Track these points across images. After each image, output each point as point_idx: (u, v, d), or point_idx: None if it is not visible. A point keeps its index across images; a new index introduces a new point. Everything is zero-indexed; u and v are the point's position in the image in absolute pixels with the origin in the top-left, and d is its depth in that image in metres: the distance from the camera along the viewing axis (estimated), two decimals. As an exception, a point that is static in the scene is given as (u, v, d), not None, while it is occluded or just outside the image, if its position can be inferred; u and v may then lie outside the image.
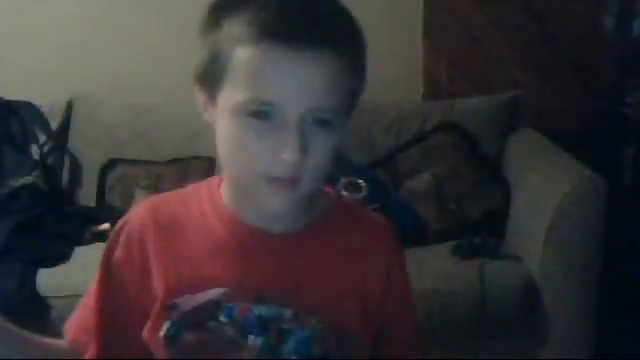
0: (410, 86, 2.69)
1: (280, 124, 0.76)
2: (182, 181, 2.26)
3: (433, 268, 1.94)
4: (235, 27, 0.76)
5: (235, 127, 0.78)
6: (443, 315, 1.86)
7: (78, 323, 0.92)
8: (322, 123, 0.78)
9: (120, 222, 0.91)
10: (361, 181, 2.12)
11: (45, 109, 2.41)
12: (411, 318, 0.98)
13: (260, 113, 0.76)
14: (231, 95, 0.77)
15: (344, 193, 2.06)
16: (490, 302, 1.87)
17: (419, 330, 1.00)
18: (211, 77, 0.79)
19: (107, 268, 0.90)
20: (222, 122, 0.80)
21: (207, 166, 2.29)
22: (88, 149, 2.41)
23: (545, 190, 1.98)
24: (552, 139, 2.30)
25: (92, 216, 2.22)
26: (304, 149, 0.76)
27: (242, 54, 0.76)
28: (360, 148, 2.37)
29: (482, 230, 2.13)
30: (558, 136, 2.33)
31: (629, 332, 2.18)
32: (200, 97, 0.83)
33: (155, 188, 2.24)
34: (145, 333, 0.87)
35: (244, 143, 0.78)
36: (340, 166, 2.22)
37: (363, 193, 2.11)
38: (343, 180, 2.12)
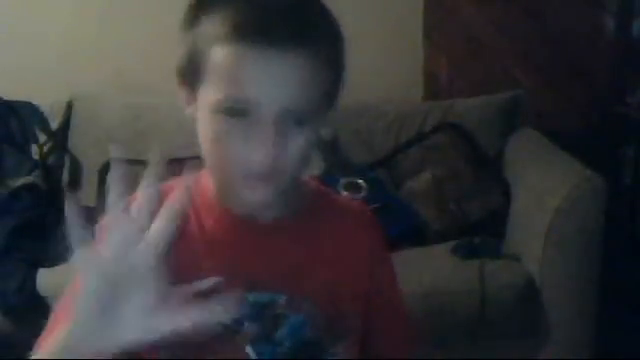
0: (410, 86, 2.69)
1: (255, 122, 0.77)
2: (182, 181, 2.26)
3: (433, 268, 1.94)
4: (211, 26, 0.77)
5: (212, 124, 0.79)
6: (443, 315, 1.86)
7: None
8: (297, 121, 0.78)
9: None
10: (361, 181, 2.12)
11: (45, 109, 2.41)
12: (397, 303, 1.01)
13: (236, 111, 0.77)
14: (208, 93, 0.79)
15: (344, 193, 2.06)
16: (490, 302, 1.87)
17: (406, 316, 1.02)
18: (190, 74, 0.81)
19: None
20: (202, 119, 0.81)
21: (207, 166, 2.29)
22: (88, 149, 2.41)
23: (545, 190, 1.98)
24: (552, 139, 2.30)
25: (92, 216, 2.22)
26: (278, 147, 0.77)
27: (218, 53, 0.76)
28: (360, 148, 2.37)
29: (482, 230, 2.13)
30: (558, 136, 2.33)
31: (629, 332, 2.19)
32: (182, 92, 0.85)
33: (155, 188, 2.24)
34: None
35: (220, 140, 0.79)
36: (340, 166, 2.22)
37: (363, 193, 2.11)
38: (343, 180, 2.12)
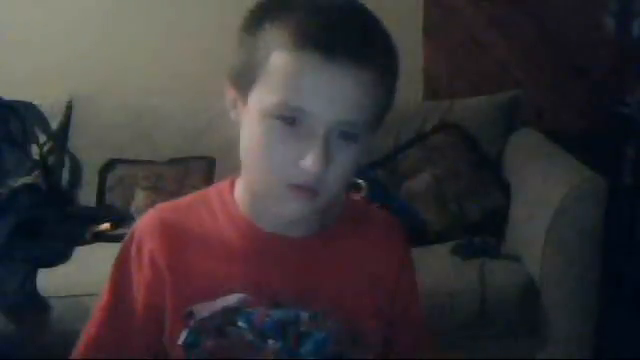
0: (410, 86, 2.68)
1: (307, 132, 0.76)
2: (182, 181, 2.26)
3: (433, 268, 1.94)
4: (276, 32, 0.76)
5: (262, 128, 0.77)
6: (443, 315, 1.86)
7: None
8: (347, 137, 0.78)
9: (128, 236, 0.89)
10: (361, 181, 2.12)
11: (45, 109, 2.41)
12: (418, 315, 1.00)
13: (288, 118, 0.76)
14: (262, 96, 0.77)
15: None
16: (490, 302, 1.87)
17: (425, 328, 1.01)
18: (245, 76, 0.79)
19: (119, 283, 0.88)
20: (250, 122, 0.79)
21: (207, 166, 2.29)
22: (88, 149, 2.41)
23: (545, 190, 1.98)
24: (552, 139, 2.30)
25: (92, 216, 2.22)
26: (327, 160, 0.76)
27: (279, 58, 0.75)
28: (360, 148, 2.36)
29: (482, 230, 2.13)
30: (558, 136, 2.33)
31: (629, 332, 2.19)
32: (230, 95, 0.83)
33: (155, 188, 2.24)
34: (165, 342, 0.87)
35: (268, 146, 0.77)
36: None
37: (363, 193, 2.10)
38: (343, 180, 2.12)
